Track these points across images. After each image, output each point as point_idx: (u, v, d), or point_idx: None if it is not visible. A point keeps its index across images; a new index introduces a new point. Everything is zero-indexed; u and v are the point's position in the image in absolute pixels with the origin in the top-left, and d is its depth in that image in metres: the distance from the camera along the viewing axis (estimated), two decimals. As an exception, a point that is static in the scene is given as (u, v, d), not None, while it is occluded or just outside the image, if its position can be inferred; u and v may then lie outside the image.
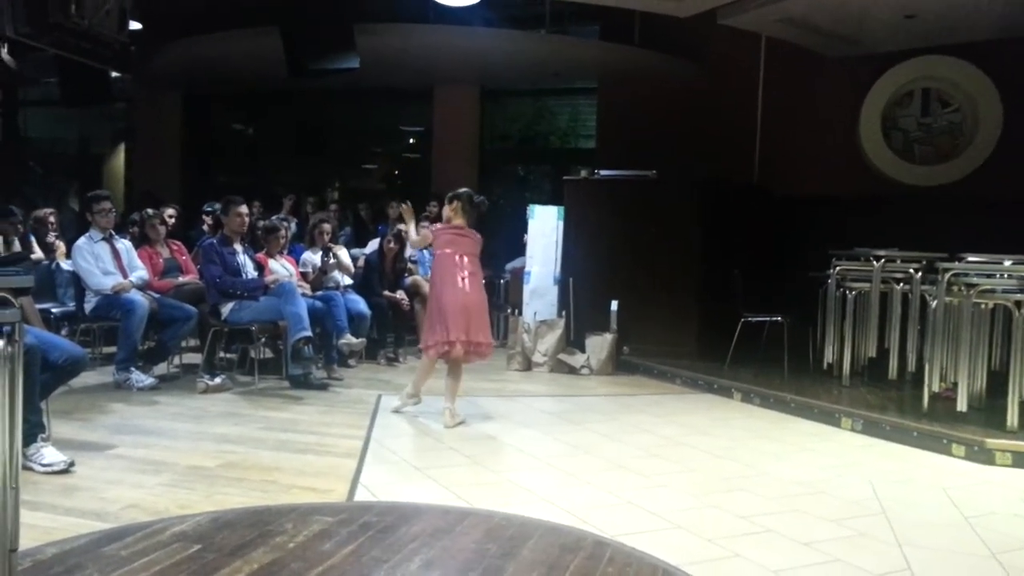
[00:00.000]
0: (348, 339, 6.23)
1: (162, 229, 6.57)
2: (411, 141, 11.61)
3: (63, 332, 6.00)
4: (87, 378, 5.35)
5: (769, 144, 8.91)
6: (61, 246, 6.87)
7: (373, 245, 7.94)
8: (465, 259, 5.09)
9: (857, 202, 8.16)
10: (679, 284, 7.36)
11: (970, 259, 5.19)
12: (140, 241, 6.52)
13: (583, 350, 7.13)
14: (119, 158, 12.67)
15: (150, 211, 6.71)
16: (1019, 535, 3.37)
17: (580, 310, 7.46)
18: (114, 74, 7.96)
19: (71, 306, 6.15)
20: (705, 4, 7.19)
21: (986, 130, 8.09)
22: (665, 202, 7.44)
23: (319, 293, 6.52)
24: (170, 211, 7.65)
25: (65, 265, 6.46)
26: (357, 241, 8.94)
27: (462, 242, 5.13)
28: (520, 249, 8.06)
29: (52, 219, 7.15)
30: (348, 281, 6.98)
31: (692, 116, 8.88)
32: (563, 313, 7.45)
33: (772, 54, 8.76)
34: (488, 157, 10.87)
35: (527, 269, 7.69)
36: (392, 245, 7.32)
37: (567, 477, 4.00)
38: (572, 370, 7.05)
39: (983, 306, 5.13)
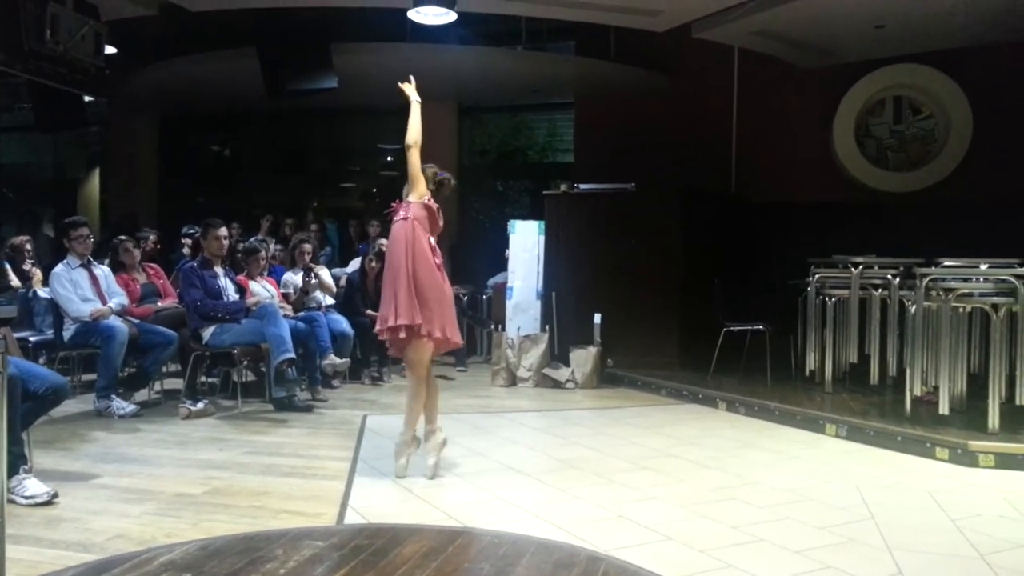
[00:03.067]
0: (332, 359, 6.20)
1: (137, 253, 6.51)
2: (389, 159, 11.61)
3: (41, 360, 5.93)
4: (67, 407, 5.27)
5: (745, 155, 9.00)
6: (38, 274, 6.79)
7: (355, 264, 7.91)
8: (436, 247, 4.34)
9: (833, 210, 8.27)
10: (661, 295, 7.41)
11: (947, 264, 5.26)
12: (115, 267, 6.45)
13: (567, 364, 7.14)
14: (94, 183, 12.56)
15: (123, 236, 6.64)
16: (1006, 536, 3.41)
17: (563, 324, 7.48)
18: (88, 98, 7.91)
19: (49, 334, 6.08)
20: (680, 18, 7.29)
21: (957, 136, 8.24)
22: (644, 214, 7.50)
23: (301, 314, 6.49)
24: (152, 237, 7.60)
25: (42, 293, 6.38)
26: (341, 259, 8.91)
27: (435, 228, 4.28)
28: (502, 264, 8.08)
29: (28, 247, 7.07)
30: (330, 301, 6.96)
31: (668, 128, 8.96)
32: (546, 327, 7.46)
33: (745, 66, 8.88)
34: (467, 173, 10.89)
35: (509, 284, 7.70)
36: (374, 264, 7.30)
37: (557, 492, 3.99)
38: (557, 384, 7.06)
39: (961, 310, 5.21)
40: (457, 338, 4.33)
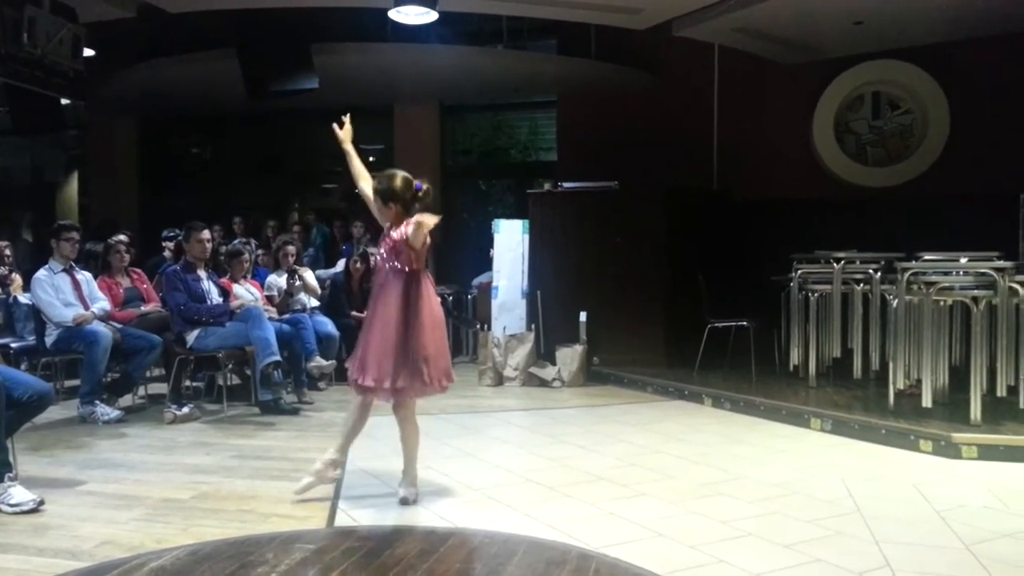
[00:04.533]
0: (318, 361, 6.18)
1: (127, 257, 6.47)
2: (371, 159, 11.56)
3: (23, 367, 5.85)
4: (51, 413, 5.17)
5: (727, 151, 9.06)
6: (17, 279, 6.71)
7: (341, 266, 7.88)
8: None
9: (815, 205, 8.34)
10: (645, 293, 7.44)
11: (927, 257, 5.32)
12: (101, 270, 6.40)
13: (554, 363, 7.16)
14: (73, 186, 12.43)
15: (118, 237, 6.58)
16: (989, 526, 3.45)
17: (549, 323, 7.49)
18: (66, 101, 7.83)
19: (31, 340, 6.00)
20: (661, 16, 7.33)
21: (935, 131, 8.33)
22: (628, 212, 7.52)
23: (286, 316, 6.46)
24: (121, 236, 7.41)
25: (23, 298, 6.30)
26: (327, 260, 8.88)
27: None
28: (486, 264, 8.07)
29: (8, 252, 6.99)
30: (315, 303, 6.92)
31: (651, 126, 9.00)
32: (532, 326, 7.47)
33: (726, 63, 8.93)
34: (450, 173, 10.88)
35: (494, 284, 7.70)
36: (359, 265, 7.28)
37: (547, 491, 4.00)
38: (544, 383, 7.07)
39: (942, 303, 5.27)
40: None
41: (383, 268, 3.77)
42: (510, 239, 7.67)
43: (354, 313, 7.13)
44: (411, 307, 3.68)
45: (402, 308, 3.67)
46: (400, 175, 3.74)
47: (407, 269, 3.69)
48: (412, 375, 3.68)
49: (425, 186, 3.76)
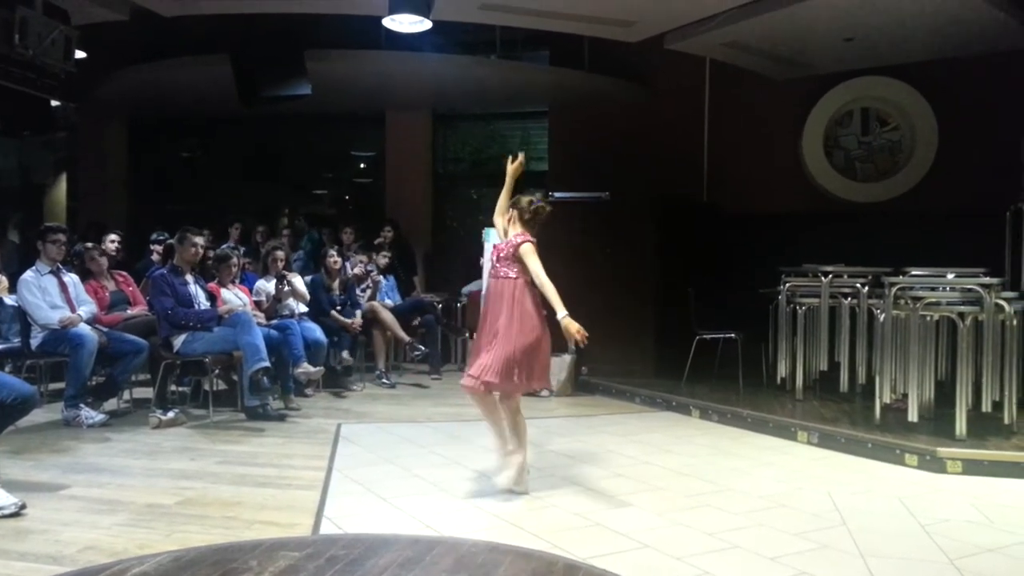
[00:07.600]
0: (305, 368, 6.16)
1: (104, 261, 6.41)
2: (362, 166, 11.56)
3: (7, 369, 5.80)
4: (35, 416, 5.15)
5: (717, 164, 9.10)
6: (4, 281, 6.66)
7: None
8: None
9: (803, 219, 8.37)
10: (635, 303, 7.45)
11: (914, 273, 5.36)
12: (84, 275, 6.34)
13: (542, 372, 7.14)
14: (61, 188, 12.35)
15: (88, 244, 6.51)
16: (974, 540, 3.47)
17: (538, 332, 7.47)
18: (55, 102, 7.78)
19: (16, 342, 5.95)
20: (653, 29, 7.37)
21: (923, 147, 8.40)
22: (618, 222, 7.54)
23: (274, 321, 6.43)
24: (112, 237, 7.33)
25: (8, 300, 6.25)
26: (316, 267, 8.85)
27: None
28: (476, 272, 8.07)
29: (-6, 253, 6.94)
30: (303, 308, 6.90)
31: (642, 138, 9.03)
32: (521, 335, 7.45)
33: (717, 76, 8.98)
34: (441, 181, 10.88)
35: (484, 292, 7.67)
36: (335, 259, 7.30)
37: (533, 500, 3.99)
38: (532, 392, 7.03)
39: (928, 318, 5.30)
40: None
41: (494, 274, 4.39)
42: (500, 248, 7.66)
43: (334, 313, 7.09)
44: (513, 312, 4.25)
45: (505, 313, 4.25)
46: (524, 198, 4.51)
47: (515, 277, 4.34)
48: (524, 372, 4.18)
49: (535, 198, 4.50)
